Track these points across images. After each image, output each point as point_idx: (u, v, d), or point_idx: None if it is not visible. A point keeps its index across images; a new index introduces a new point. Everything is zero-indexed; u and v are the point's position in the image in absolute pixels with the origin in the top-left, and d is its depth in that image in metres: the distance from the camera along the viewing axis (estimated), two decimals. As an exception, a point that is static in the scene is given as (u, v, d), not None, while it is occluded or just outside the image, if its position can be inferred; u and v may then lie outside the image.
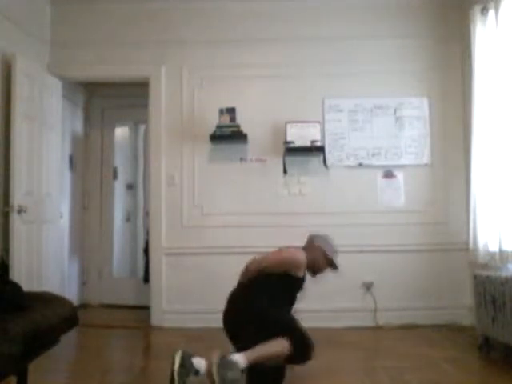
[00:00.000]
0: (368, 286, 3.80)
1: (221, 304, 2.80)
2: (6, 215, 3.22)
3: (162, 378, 2.56)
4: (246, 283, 2.54)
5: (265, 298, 2.45)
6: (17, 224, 3.21)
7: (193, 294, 3.82)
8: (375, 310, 3.75)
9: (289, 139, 3.78)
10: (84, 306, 4.60)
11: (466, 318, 3.62)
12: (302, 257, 2.56)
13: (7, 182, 3.24)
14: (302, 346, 2.35)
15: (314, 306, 3.74)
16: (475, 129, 3.43)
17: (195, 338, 3.42)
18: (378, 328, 3.70)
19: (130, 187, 5.20)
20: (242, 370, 2.23)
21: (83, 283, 4.78)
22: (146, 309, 3.98)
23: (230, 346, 2.66)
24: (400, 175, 3.90)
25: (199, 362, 2.35)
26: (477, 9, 3.41)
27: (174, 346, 3.17)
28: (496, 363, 2.84)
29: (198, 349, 3.17)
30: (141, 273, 4.73)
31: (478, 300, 3.08)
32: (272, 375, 2.35)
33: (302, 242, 3.76)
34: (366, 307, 3.77)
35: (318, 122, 3.86)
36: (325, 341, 3.36)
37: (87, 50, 3.96)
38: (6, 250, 3.17)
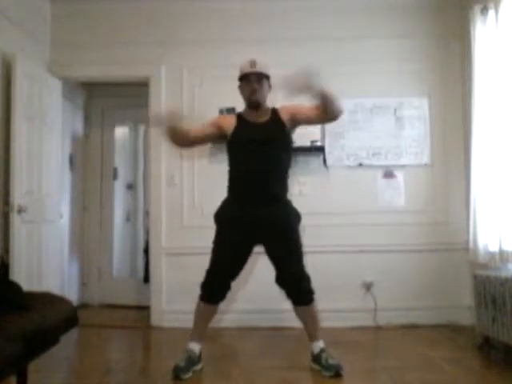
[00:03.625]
0: (368, 286, 3.80)
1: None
2: (6, 215, 3.22)
3: (162, 378, 2.57)
4: None
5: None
6: (17, 224, 3.21)
7: (193, 294, 3.77)
8: (375, 310, 3.75)
9: (289, 139, 3.78)
10: (84, 305, 4.60)
11: (466, 318, 3.62)
12: None
13: (7, 182, 3.24)
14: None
15: (314, 305, 3.75)
16: (475, 129, 3.43)
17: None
18: (378, 328, 3.70)
19: (130, 187, 5.20)
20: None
21: (83, 283, 4.78)
22: (146, 309, 3.98)
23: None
24: (400, 175, 3.90)
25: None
26: (477, 9, 3.40)
27: (173, 346, 3.19)
28: (496, 363, 2.84)
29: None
30: (141, 273, 4.73)
31: (477, 300, 3.08)
32: None
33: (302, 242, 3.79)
34: (366, 307, 3.76)
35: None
36: (325, 341, 3.36)
37: (87, 49, 3.96)
38: (6, 249, 3.17)
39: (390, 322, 3.72)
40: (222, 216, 2.72)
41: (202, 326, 2.73)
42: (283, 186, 2.71)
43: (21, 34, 3.58)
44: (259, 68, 2.64)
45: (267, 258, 2.79)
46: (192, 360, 2.63)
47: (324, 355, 2.65)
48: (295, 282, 2.66)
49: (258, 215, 2.60)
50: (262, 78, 2.65)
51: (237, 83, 2.77)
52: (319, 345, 2.71)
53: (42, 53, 3.90)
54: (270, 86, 2.72)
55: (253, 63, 2.63)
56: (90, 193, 4.90)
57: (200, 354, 2.71)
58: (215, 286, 2.70)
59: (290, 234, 2.66)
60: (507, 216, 3.13)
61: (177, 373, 2.53)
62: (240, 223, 2.63)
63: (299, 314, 2.75)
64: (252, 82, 2.63)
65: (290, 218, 2.69)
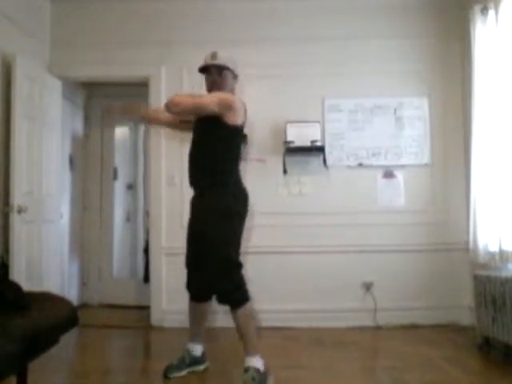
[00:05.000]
0: (368, 286, 3.80)
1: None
2: (6, 215, 3.22)
3: (162, 379, 2.57)
4: None
5: None
6: (17, 224, 3.21)
7: (193, 293, 3.81)
8: (375, 310, 3.75)
9: (289, 139, 3.78)
10: (84, 305, 4.60)
11: (466, 318, 3.62)
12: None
13: (7, 182, 3.24)
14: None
15: (314, 305, 3.75)
16: (475, 129, 3.43)
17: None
18: (377, 328, 3.70)
19: (130, 187, 5.20)
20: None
21: (83, 283, 4.77)
22: (146, 309, 3.98)
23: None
24: (400, 175, 3.90)
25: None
26: (477, 9, 3.41)
27: (174, 346, 3.19)
28: (496, 363, 2.84)
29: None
30: (141, 273, 4.72)
31: (478, 300, 3.08)
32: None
33: (302, 242, 3.80)
34: (366, 307, 3.77)
35: (318, 121, 3.86)
36: (325, 341, 3.37)
37: (87, 49, 3.96)
38: (6, 249, 3.17)
39: (390, 322, 3.72)
40: None
41: (196, 325, 2.72)
42: (212, 179, 2.53)
43: (21, 34, 3.58)
44: (220, 60, 2.61)
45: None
46: (185, 360, 2.64)
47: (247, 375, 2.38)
48: (205, 290, 2.63)
49: (191, 209, 2.63)
50: (222, 69, 2.61)
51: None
52: (248, 362, 2.42)
53: (41, 53, 3.90)
54: (234, 77, 2.70)
55: (214, 55, 2.63)
56: (90, 193, 4.89)
57: (203, 354, 2.72)
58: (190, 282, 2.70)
59: (203, 233, 2.50)
60: (507, 216, 3.13)
61: (165, 370, 2.56)
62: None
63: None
64: (213, 73, 2.62)
65: (207, 213, 2.51)
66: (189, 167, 2.64)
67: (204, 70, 2.66)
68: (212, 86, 2.62)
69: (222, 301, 2.52)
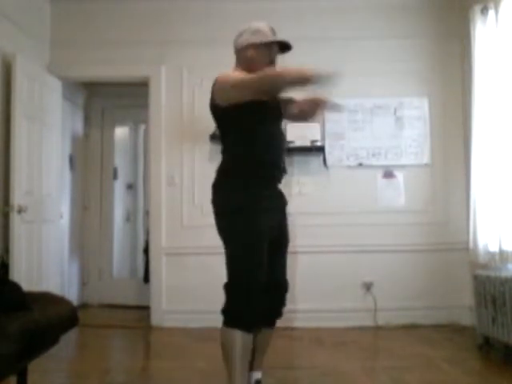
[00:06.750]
0: (368, 286, 3.80)
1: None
2: (6, 215, 3.22)
3: (162, 378, 2.57)
4: None
5: None
6: (17, 224, 3.21)
7: (193, 293, 3.81)
8: (375, 310, 3.75)
9: (289, 139, 3.77)
10: (84, 305, 4.60)
11: (466, 318, 3.62)
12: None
13: (7, 182, 3.24)
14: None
15: (314, 305, 3.75)
16: (475, 129, 3.43)
17: (195, 338, 3.42)
18: (378, 328, 3.70)
19: (130, 187, 5.20)
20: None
21: (83, 283, 4.78)
22: (146, 309, 3.98)
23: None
24: (400, 175, 3.90)
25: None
26: (477, 9, 3.40)
27: (173, 346, 3.20)
28: (496, 363, 2.84)
29: (198, 349, 3.19)
30: (141, 273, 4.73)
31: (478, 300, 3.08)
32: None
33: (302, 242, 3.80)
34: (366, 307, 3.76)
35: (318, 122, 3.86)
36: (325, 341, 3.37)
37: (87, 49, 3.96)
38: (6, 249, 3.17)
39: (390, 322, 3.72)
40: (246, 202, 1.98)
41: (245, 367, 1.97)
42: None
43: (21, 34, 3.57)
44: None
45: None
46: None
47: None
48: (284, 294, 2.17)
49: (278, 202, 2.21)
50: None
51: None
52: (259, 375, 2.16)
53: (41, 53, 3.90)
54: None
55: (273, 30, 2.17)
56: (90, 193, 4.90)
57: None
58: (257, 303, 1.95)
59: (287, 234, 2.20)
60: (507, 216, 3.13)
61: None
62: (269, 210, 2.06)
63: (262, 339, 2.10)
64: (274, 52, 2.18)
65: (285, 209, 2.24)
66: (276, 154, 2.21)
67: (267, 43, 2.16)
68: (269, 65, 2.18)
69: (280, 313, 2.21)
